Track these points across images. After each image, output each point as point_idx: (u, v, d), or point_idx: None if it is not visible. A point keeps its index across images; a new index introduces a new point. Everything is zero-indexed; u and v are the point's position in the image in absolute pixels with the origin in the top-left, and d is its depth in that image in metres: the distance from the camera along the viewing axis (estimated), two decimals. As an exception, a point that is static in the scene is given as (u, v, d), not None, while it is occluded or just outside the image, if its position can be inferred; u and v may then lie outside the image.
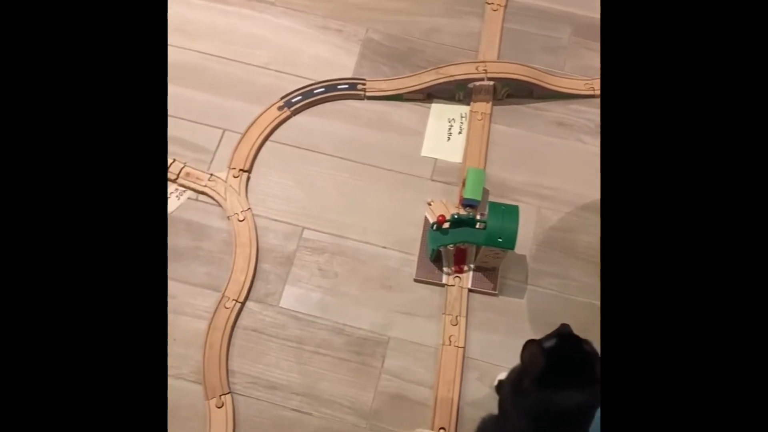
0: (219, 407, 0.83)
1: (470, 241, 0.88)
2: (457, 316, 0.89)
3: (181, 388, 0.85)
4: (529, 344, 0.65)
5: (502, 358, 0.87)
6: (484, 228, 0.86)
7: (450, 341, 0.88)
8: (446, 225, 0.89)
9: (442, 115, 1.03)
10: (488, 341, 0.89)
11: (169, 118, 1.02)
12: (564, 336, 0.67)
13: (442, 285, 0.91)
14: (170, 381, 0.85)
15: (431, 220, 0.93)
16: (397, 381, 0.86)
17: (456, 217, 0.88)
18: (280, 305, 0.90)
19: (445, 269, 0.92)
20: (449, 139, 1.02)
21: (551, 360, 0.64)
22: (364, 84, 1.04)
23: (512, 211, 0.83)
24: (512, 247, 0.83)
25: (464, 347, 0.88)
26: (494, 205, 0.84)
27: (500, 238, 0.82)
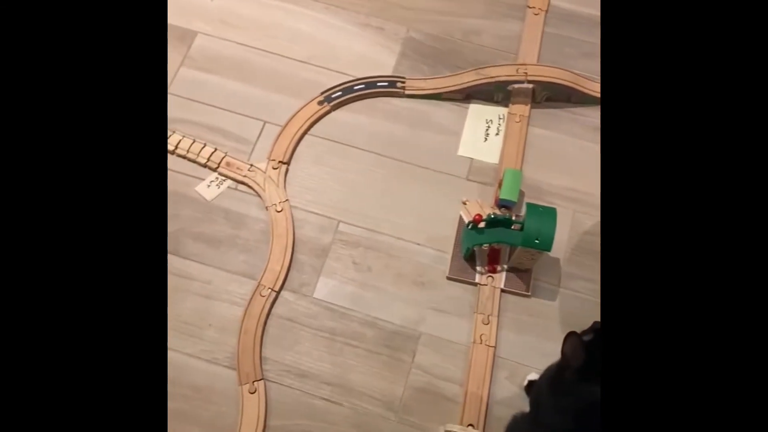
0: (252, 393, 0.85)
1: (506, 241, 0.89)
2: (489, 316, 0.90)
3: (215, 372, 0.87)
4: (571, 336, 0.65)
5: (532, 359, 0.88)
6: (520, 229, 0.87)
7: (481, 340, 0.88)
8: (482, 224, 0.89)
9: (480, 116, 1.04)
10: (519, 342, 0.89)
11: (211, 109, 1.04)
12: (600, 331, 0.68)
13: (475, 284, 0.92)
14: (204, 365, 0.87)
15: (466, 219, 0.94)
16: (427, 376, 0.87)
17: (492, 216, 0.88)
18: (313, 296, 0.92)
19: (478, 268, 0.93)
20: (486, 139, 1.02)
21: (591, 353, 0.64)
22: (403, 82, 1.05)
23: (550, 213, 0.84)
24: (549, 249, 0.83)
25: (495, 346, 0.88)
26: (532, 207, 0.85)
27: (537, 239, 0.83)
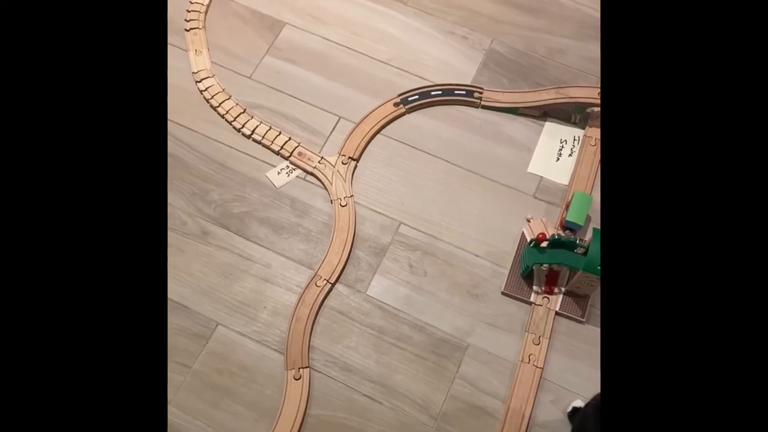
0: (297, 379, 0.86)
1: (568, 264, 0.87)
2: (540, 336, 0.88)
3: (264, 354, 0.89)
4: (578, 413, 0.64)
5: (580, 386, 0.86)
6: (583, 253, 0.85)
7: (529, 359, 0.87)
8: (545, 244, 0.88)
9: (555, 135, 1.03)
10: (568, 366, 0.88)
11: (291, 99, 1.06)
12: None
13: (530, 303, 0.91)
14: (254, 345, 0.89)
15: (528, 237, 0.93)
16: (470, 388, 0.87)
17: (557, 237, 0.87)
18: (367, 293, 0.93)
19: (534, 287, 0.91)
20: (558, 159, 1.01)
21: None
22: (481, 93, 1.05)
23: (616, 241, 0.82)
24: (611, 277, 0.82)
25: (543, 368, 0.87)
26: (599, 232, 0.83)
27: (600, 266, 0.81)
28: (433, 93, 1.06)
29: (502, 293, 0.92)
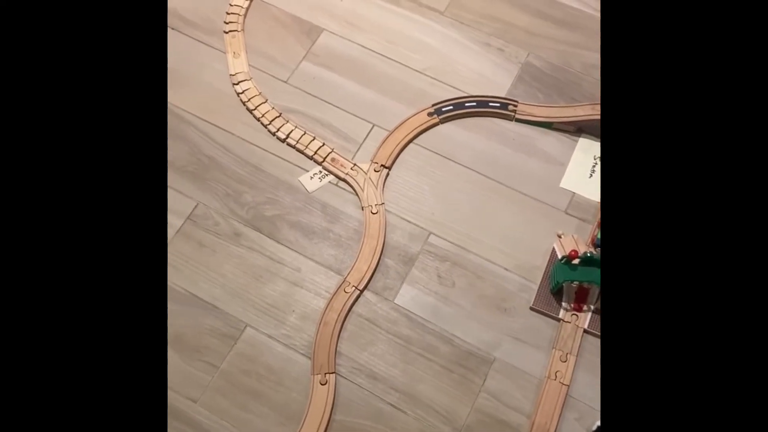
0: (323, 384, 0.87)
1: (599, 282, 0.87)
2: (567, 353, 0.88)
3: (291, 357, 0.90)
4: None
5: (606, 406, 0.86)
6: (615, 272, 0.85)
7: (555, 376, 0.87)
8: (576, 261, 0.88)
9: (589, 151, 1.02)
10: (594, 385, 0.87)
11: (326, 105, 1.07)
12: None
13: (558, 319, 0.91)
14: (282, 348, 0.90)
15: (559, 253, 0.93)
16: (495, 402, 0.87)
17: (589, 255, 0.87)
18: (395, 301, 0.93)
19: (564, 304, 0.91)
20: (591, 176, 1.01)
21: None
22: (515, 106, 1.05)
23: (650, 262, 0.81)
24: (643, 298, 0.81)
25: (569, 385, 0.87)
26: (632, 252, 0.83)
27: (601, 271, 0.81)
28: (467, 104, 1.06)
29: (531, 308, 0.92)
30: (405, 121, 1.05)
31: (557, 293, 0.92)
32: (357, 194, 1.00)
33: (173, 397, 0.86)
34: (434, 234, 0.98)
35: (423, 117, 1.06)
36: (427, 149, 1.04)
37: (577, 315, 0.90)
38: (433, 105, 1.06)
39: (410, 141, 1.04)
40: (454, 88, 1.09)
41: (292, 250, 0.97)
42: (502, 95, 1.07)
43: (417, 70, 1.10)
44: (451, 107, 1.06)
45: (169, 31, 1.13)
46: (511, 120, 1.05)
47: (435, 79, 1.10)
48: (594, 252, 0.91)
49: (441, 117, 1.05)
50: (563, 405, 0.86)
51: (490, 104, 1.06)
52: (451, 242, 0.97)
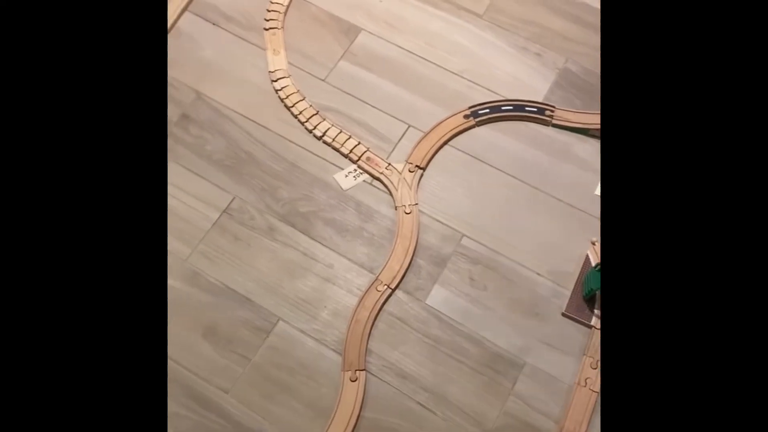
0: (353, 381, 0.87)
1: (633, 290, 0.87)
2: (598, 360, 0.88)
3: (322, 353, 0.90)
4: None
5: (636, 416, 0.85)
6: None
7: (586, 383, 0.87)
8: (611, 268, 0.88)
9: (626, 159, 1.02)
10: (625, 394, 0.87)
11: (362, 104, 1.08)
12: None
13: (590, 326, 0.90)
14: (313, 343, 0.91)
15: (593, 261, 0.92)
16: (524, 406, 0.87)
17: (624, 263, 0.87)
18: (426, 302, 0.94)
19: (596, 311, 0.91)
20: (627, 184, 1.00)
21: None
22: (552, 111, 1.05)
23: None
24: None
25: (599, 393, 0.86)
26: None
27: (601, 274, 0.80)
28: (504, 108, 1.06)
29: (563, 314, 0.92)
30: (441, 122, 1.06)
31: (590, 300, 0.91)
32: (391, 194, 1.01)
33: (204, 387, 0.87)
34: (467, 236, 0.98)
35: (459, 119, 1.06)
36: (462, 151, 1.04)
37: (609, 323, 0.90)
38: (470, 107, 1.06)
39: (445, 142, 1.05)
40: (490, 91, 1.09)
41: (325, 246, 0.97)
42: (539, 100, 1.07)
43: (454, 73, 1.11)
44: (487, 110, 1.06)
45: (210, 27, 1.15)
46: (548, 125, 1.05)
47: (472, 81, 1.10)
48: (629, 260, 0.90)
49: (477, 120, 1.06)
50: (593, 412, 0.85)
51: (527, 108, 1.06)
52: (484, 245, 0.97)
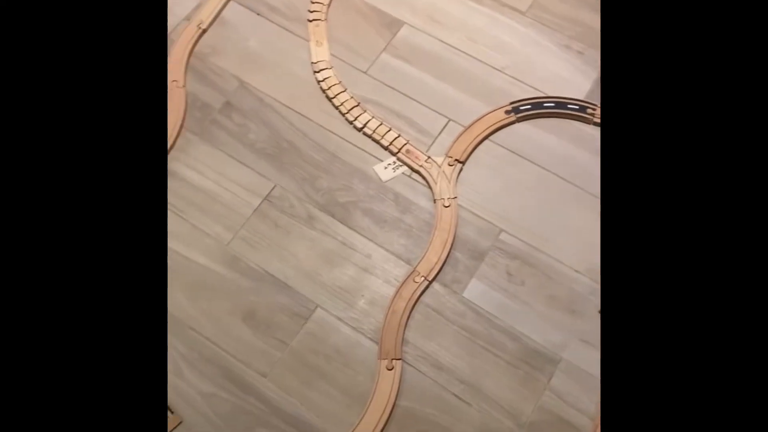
0: (389, 369, 0.88)
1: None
2: (636, 360, 0.87)
3: (358, 341, 0.91)
4: None
5: (673, 416, 0.85)
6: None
7: (623, 382, 0.86)
8: (652, 267, 0.87)
9: (668, 160, 1.01)
10: (662, 394, 0.86)
11: (403, 97, 1.09)
12: None
13: (628, 325, 0.90)
14: (349, 331, 0.92)
15: (633, 259, 0.92)
16: (559, 402, 0.87)
17: (666, 262, 0.86)
18: (463, 295, 0.94)
19: (634, 310, 0.90)
20: (669, 184, 0.99)
21: None
22: (594, 109, 1.05)
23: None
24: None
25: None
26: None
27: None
28: (545, 104, 1.06)
29: (600, 312, 0.91)
30: (481, 117, 1.06)
31: (629, 299, 0.91)
32: (430, 187, 1.01)
33: (243, 370, 0.89)
34: (505, 231, 0.98)
35: (500, 114, 1.06)
36: (503, 147, 1.05)
37: (648, 322, 0.89)
38: (511, 103, 1.06)
39: (486, 137, 1.05)
40: (532, 87, 1.09)
41: (363, 236, 0.98)
42: (582, 98, 1.07)
43: (495, 68, 1.11)
44: (529, 106, 1.06)
45: (254, 17, 1.16)
46: (589, 123, 1.05)
47: (513, 78, 1.10)
48: (670, 260, 0.90)
49: (518, 115, 1.06)
50: (629, 411, 0.85)
51: (569, 106, 1.06)
52: (523, 241, 0.97)
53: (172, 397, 0.86)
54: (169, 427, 0.85)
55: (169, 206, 0.99)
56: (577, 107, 1.05)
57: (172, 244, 0.96)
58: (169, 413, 0.85)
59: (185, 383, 0.88)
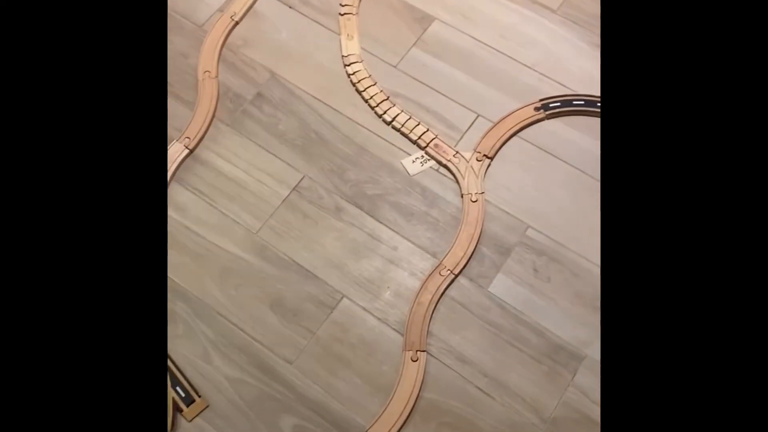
0: (414, 361, 0.89)
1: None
2: (662, 359, 0.87)
3: (383, 332, 0.92)
4: None
5: (698, 417, 0.84)
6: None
7: (648, 380, 0.86)
8: (681, 267, 0.87)
9: (698, 160, 1.01)
10: (687, 395, 0.86)
11: (432, 92, 1.09)
12: None
13: (654, 324, 0.90)
14: (375, 322, 0.92)
15: (661, 258, 0.92)
16: (583, 398, 0.87)
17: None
18: (488, 289, 0.94)
19: (661, 309, 0.90)
20: (698, 185, 0.99)
21: None
22: (624, 108, 1.04)
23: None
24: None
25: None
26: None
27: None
28: (575, 102, 1.06)
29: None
30: (511, 113, 1.06)
31: (656, 298, 0.91)
32: (457, 181, 1.02)
33: (269, 356, 0.90)
34: (532, 227, 0.98)
35: (529, 111, 1.06)
36: (531, 143, 1.05)
37: (674, 322, 0.89)
38: (541, 100, 1.07)
39: (514, 134, 1.05)
40: (561, 85, 1.09)
41: (390, 229, 0.99)
42: (611, 96, 1.06)
43: (526, 65, 1.11)
44: (558, 104, 1.06)
45: (286, 10, 1.17)
46: (619, 122, 1.05)
47: (543, 75, 1.10)
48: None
49: (547, 113, 1.06)
50: (654, 410, 0.85)
51: (599, 104, 1.05)
52: (549, 237, 0.97)
53: (200, 381, 0.88)
54: (197, 410, 0.86)
55: (199, 194, 1.01)
56: (607, 105, 1.05)
57: (201, 231, 0.98)
58: (196, 397, 0.86)
59: (213, 368, 0.89)
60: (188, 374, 0.88)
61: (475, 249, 0.97)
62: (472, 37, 1.14)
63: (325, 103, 1.09)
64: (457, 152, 1.04)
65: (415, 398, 0.87)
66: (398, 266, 0.96)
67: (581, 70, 1.10)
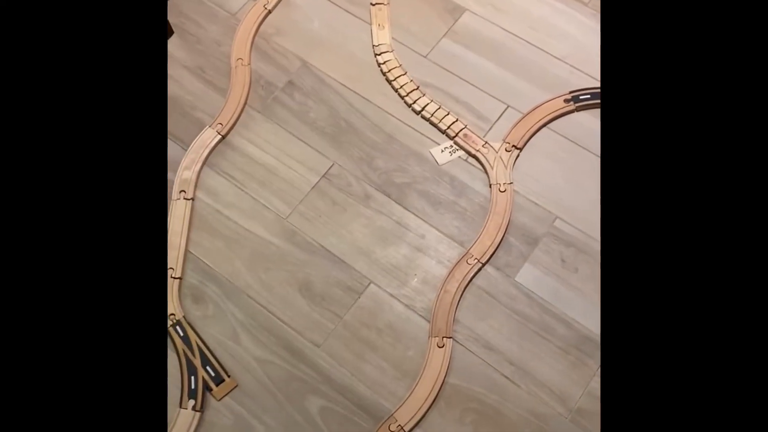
0: (440, 347, 0.89)
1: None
2: (690, 352, 0.87)
3: (410, 318, 0.93)
4: None
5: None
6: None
7: (675, 373, 0.86)
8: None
9: (731, 154, 1.00)
10: (715, 388, 0.86)
11: (462, 82, 1.10)
12: None
13: (683, 317, 0.89)
14: (401, 308, 0.93)
15: (691, 251, 0.91)
16: (609, 389, 0.87)
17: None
18: (515, 279, 0.95)
19: (690, 302, 0.90)
20: (730, 179, 0.98)
21: None
22: (656, 101, 1.04)
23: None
24: None
25: (689, 384, 0.85)
26: None
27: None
28: (606, 95, 1.05)
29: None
30: (540, 105, 1.06)
31: (685, 291, 0.90)
32: (486, 171, 1.02)
33: (297, 339, 0.91)
34: (560, 219, 0.98)
35: (559, 103, 1.06)
36: (560, 135, 1.05)
37: (703, 315, 0.89)
38: (571, 92, 1.06)
39: (544, 125, 1.05)
40: (592, 77, 1.08)
41: (418, 217, 1.00)
42: (643, 89, 1.06)
43: (556, 57, 1.11)
44: (588, 96, 1.06)
45: (319, 0, 1.18)
46: (650, 115, 1.04)
47: (574, 67, 1.10)
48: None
49: (577, 105, 1.05)
50: (681, 402, 0.85)
51: (630, 97, 1.05)
52: (578, 229, 0.97)
53: (229, 362, 0.90)
54: (226, 390, 0.88)
55: (231, 179, 1.02)
56: (638, 98, 1.05)
57: (233, 215, 1.00)
58: (225, 377, 0.88)
59: (242, 348, 0.91)
60: (218, 354, 0.90)
61: (502, 239, 0.97)
62: (503, 29, 1.14)
63: (355, 92, 1.10)
64: (486, 142, 1.04)
65: (440, 384, 0.87)
66: (425, 254, 0.97)
67: (612, 62, 1.09)
